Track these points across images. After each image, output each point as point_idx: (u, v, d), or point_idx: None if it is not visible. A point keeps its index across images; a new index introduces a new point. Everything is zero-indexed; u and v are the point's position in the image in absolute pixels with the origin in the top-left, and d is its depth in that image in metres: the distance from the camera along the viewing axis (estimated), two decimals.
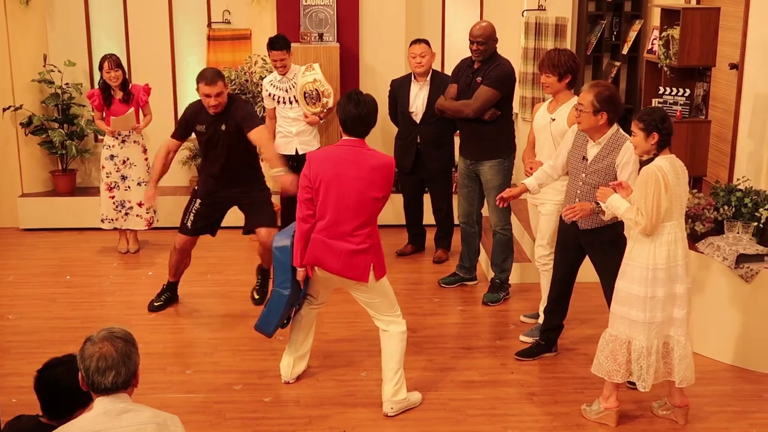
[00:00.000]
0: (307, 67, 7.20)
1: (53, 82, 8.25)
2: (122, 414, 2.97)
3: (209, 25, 8.45)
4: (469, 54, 6.40)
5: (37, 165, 8.47)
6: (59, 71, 8.25)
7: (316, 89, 7.14)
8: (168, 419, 3.05)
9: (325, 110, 7.29)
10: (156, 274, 7.14)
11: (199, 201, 6.32)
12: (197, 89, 6.02)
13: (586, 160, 4.99)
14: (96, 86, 7.50)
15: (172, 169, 8.46)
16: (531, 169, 5.68)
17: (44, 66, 8.26)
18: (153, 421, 3.00)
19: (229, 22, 8.43)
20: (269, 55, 7.29)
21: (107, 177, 7.44)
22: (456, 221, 7.07)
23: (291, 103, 7.24)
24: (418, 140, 7.17)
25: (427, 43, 7.12)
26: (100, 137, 8.40)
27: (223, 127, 6.08)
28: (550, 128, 5.61)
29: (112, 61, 7.22)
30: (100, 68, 7.28)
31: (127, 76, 7.44)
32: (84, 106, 8.32)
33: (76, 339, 5.60)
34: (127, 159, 7.42)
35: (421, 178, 7.34)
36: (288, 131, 7.35)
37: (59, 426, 3.18)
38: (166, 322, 6.17)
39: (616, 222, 4.95)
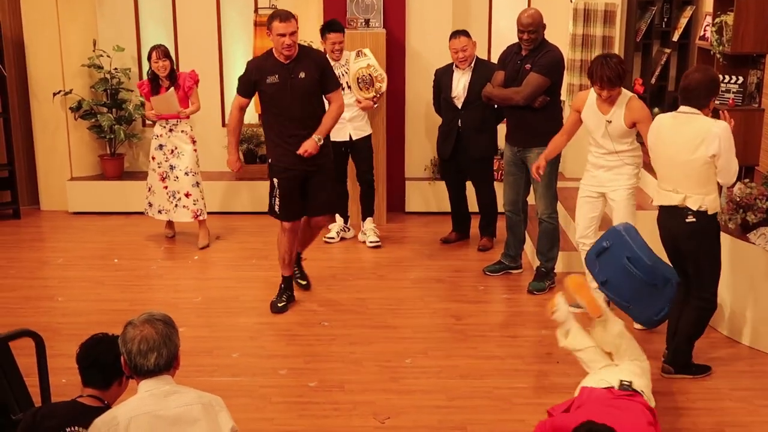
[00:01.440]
0: (357, 53, 7.22)
1: (102, 67, 8.34)
2: (168, 396, 3.01)
3: (256, 10, 8.47)
4: (515, 40, 6.34)
5: (86, 149, 8.59)
6: (108, 56, 8.34)
7: (369, 74, 7.18)
8: (213, 400, 3.09)
9: (378, 95, 7.30)
10: (202, 259, 7.21)
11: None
12: (271, 32, 5.66)
13: None
14: (145, 75, 7.46)
15: (217, 154, 8.60)
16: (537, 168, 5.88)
17: (93, 51, 8.36)
18: (199, 401, 3.03)
19: (275, 8, 8.43)
20: (326, 38, 7.19)
21: (158, 167, 7.38)
22: (500, 209, 7.01)
23: (344, 89, 7.14)
24: (459, 125, 7.13)
25: (466, 34, 7.06)
26: (148, 123, 8.49)
27: (302, 75, 5.82)
28: (607, 129, 5.56)
29: (160, 51, 7.19)
30: (149, 58, 7.25)
31: (174, 67, 7.40)
32: (132, 91, 8.41)
33: (124, 321, 5.58)
34: (175, 148, 7.35)
35: (461, 165, 7.29)
36: (342, 117, 7.28)
37: (99, 401, 3.24)
38: (213, 306, 6.21)
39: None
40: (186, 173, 7.37)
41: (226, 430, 3.06)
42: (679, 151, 4.85)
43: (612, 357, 4.50)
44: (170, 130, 7.34)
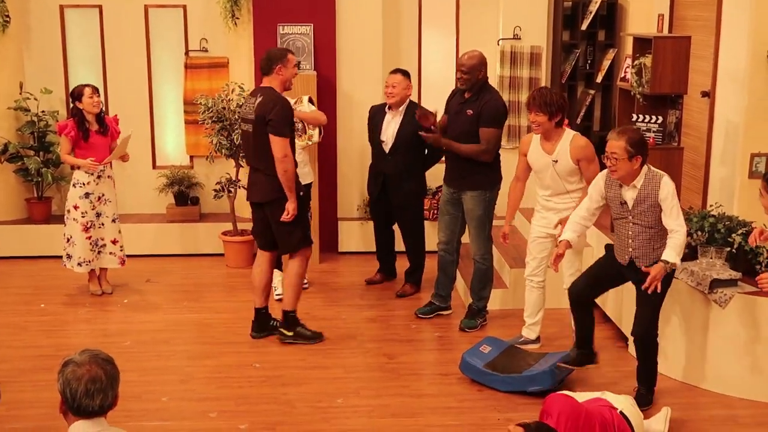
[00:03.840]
0: (296, 100, 7.04)
1: (29, 110, 8.23)
2: None
3: (186, 53, 8.47)
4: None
5: (12, 192, 8.43)
6: (35, 99, 8.23)
7: (302, 121, 6.96)
8: None
9: (309, 143, 7.19)
10: (131, 302, 7.10)
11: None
12: (286, 66, 6.02)
13: (626, 204, 5.02)
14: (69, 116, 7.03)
15: (148, 196, 8.53)
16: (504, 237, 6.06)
17: (20, 94, 8.25)
18: None
19: (206, 50, 8.46)
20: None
21: (83, 217, 6.94)
22: (433, 248, 7.03)
23: (297, 130, 6.88)
24: (385, 170, 7.14)
25: (403, 73, 7.06)
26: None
27: None
28: (555, 169, 5.68)
29: (92, 87, 6.92)
30: (79, 96, 6.88)
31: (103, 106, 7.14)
32: None
33: (49, 367, 5.55)
34: (102, 195, 7.03)
35: (390, 206, 7.29)
36: (301, 161, 6.88)
37: None
38: (142, 350, 6.12)
39: None
40: (113, 220, 7.12)
41: None
42: None
43: None
44: (98, 177, 6.98)
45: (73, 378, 2.95)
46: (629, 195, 5.01)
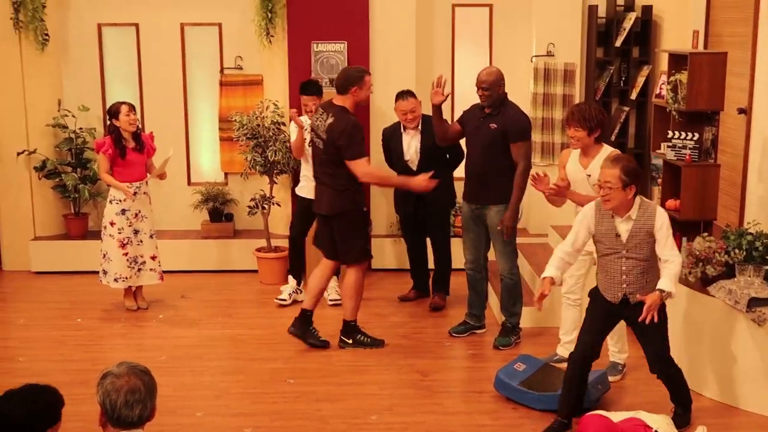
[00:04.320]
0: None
1: (67, 127, 8.35)
2: None
3: (222, 70, 8.55)
4: (478, 100, 6.45)
5: (50, 208, 8.54)
6: (73, 116, 8.35)
7: None
8: None
9: None
10: (166, 318, 7.15)
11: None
12: (362, 88, 6.25)
13: (620, 237, 4.88)
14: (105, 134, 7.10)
15: (183, 212, 8.59)
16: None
17: (58, 111, 8.37)
18: None
19: (241, 68, 8.53)
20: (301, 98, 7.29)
21: (119, 233, 7.04)
22: (459, 265, 7.00)
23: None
24: None
25: (413, 95, 7.21)
26: None
27: None
28: (588, 183, 5.65)
29: (129, 104, 7.02)
30: (116, 114, 6.97)
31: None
32: None
33: (86, 381, 5.61)
34: (139, 212, 7.11)
35: (423, 223, 7.34)
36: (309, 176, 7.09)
37: None
38: (177, 365, 6.16)
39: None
40: (150, 236, 7.20)
41: None
42: None
43: None
44: (134, 194, 7.03)
45: (113, 389, 2.99)
46: (624, 227, 4.86)
